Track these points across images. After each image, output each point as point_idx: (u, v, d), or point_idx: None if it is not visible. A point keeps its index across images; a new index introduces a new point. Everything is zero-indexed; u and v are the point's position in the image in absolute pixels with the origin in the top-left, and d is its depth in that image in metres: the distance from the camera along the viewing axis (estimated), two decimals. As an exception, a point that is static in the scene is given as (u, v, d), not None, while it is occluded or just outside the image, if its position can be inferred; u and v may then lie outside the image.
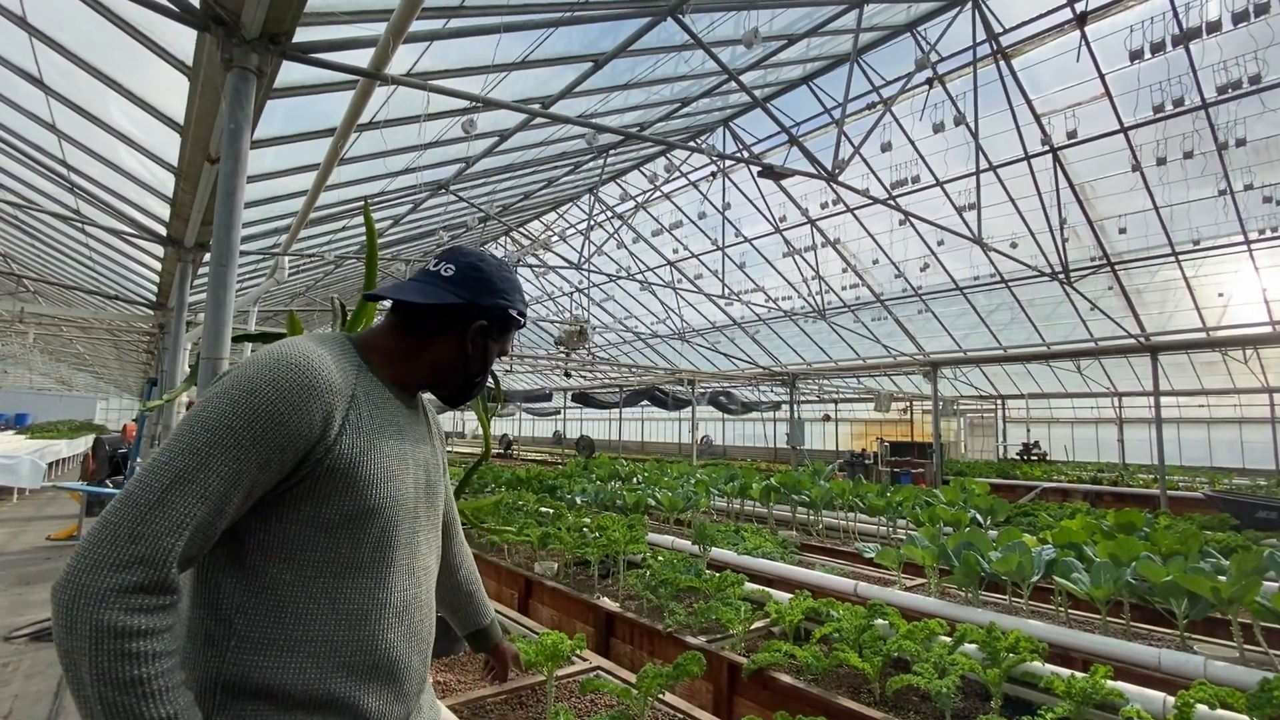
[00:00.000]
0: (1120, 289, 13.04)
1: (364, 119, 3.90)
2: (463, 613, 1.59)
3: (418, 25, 3.17)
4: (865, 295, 16.44)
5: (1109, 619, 4.53)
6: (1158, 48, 8.46)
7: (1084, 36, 8.88)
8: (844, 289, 16.58)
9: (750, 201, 14.68)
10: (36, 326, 11.96)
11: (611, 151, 11.41)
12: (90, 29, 3.57)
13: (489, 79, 6.19)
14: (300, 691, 0.96)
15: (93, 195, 5.77)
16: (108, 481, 10.86)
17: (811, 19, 8.19)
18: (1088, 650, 3.97)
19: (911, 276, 15.17)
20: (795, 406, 20.94)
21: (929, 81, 10.15)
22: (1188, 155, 10.01)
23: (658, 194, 15.42)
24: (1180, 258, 12.09)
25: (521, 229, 17.61)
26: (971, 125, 9.77)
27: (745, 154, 11.84)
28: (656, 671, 2.83)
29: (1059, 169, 11.12)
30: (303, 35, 2.88)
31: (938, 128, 10.44)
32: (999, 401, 23.13)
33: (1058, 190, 11.32)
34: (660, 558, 5.45)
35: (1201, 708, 2.75)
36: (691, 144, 10.74)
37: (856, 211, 13.91)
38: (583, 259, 13.99)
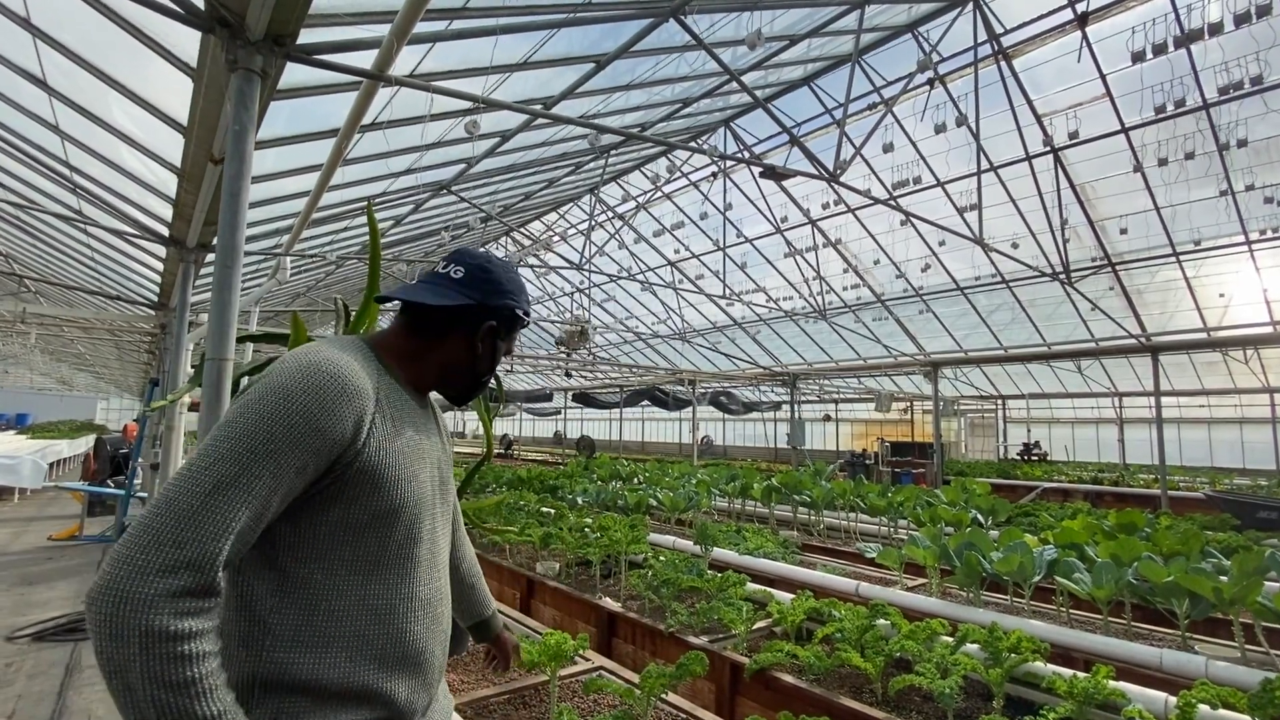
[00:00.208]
0: (1121, 289, 13.05)
1: (366, 120, 3.90)
2: (465, 604, 1.62)
3: (421, 27, 3.18)
4: (866, 295, 16.45)
5: (1110, 619, 4.54)
6: (1159, 49, 8.47)
7: (1085, 37, 8.89)
8: (845, 289, 16.58)
9: (751, 202, 14.69)
10: (38, 327, 11.97)
11: (613, 152, 11.42)
12: (93, 30, 3.57)
13: (491, 80, 6.20)
14: (336, 684, 1.00)
15: (95, 196, 5.77)
16: (109, 482, 10.87)
17: (813, 19, 8.19)
18: (1089, 650, 3.97)
19: (912, 277, 15.17)
20: (796, 406, 20.95)
21: (930, 82, 10.15)
22: (1189, 156, 10.02)
23: (659, 194, 15.42)
24: (1181, 258, 12.10)
25: (522, 229, 17.62)
26: (973, 126, 9.78)
27: (746, 154, 11.84)
28: (659, 671, 2.84)
29: (1060, 169, 11.12)
30: (306, 37, 2.89)
31: (939, 128, 10.44)
32: (1000, 401, 23.14)
33: (1059, 190, 11.32)
34: (662, 558, 5.46)
35: (1203, 708, 2.75)
36: (693, 144, 10.75)
37: (858, 212, 13.92)
38: (584, 259, 14.00)
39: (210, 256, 5.64)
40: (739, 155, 11.62)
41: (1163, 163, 10.31)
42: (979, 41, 9.00)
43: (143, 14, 3.24)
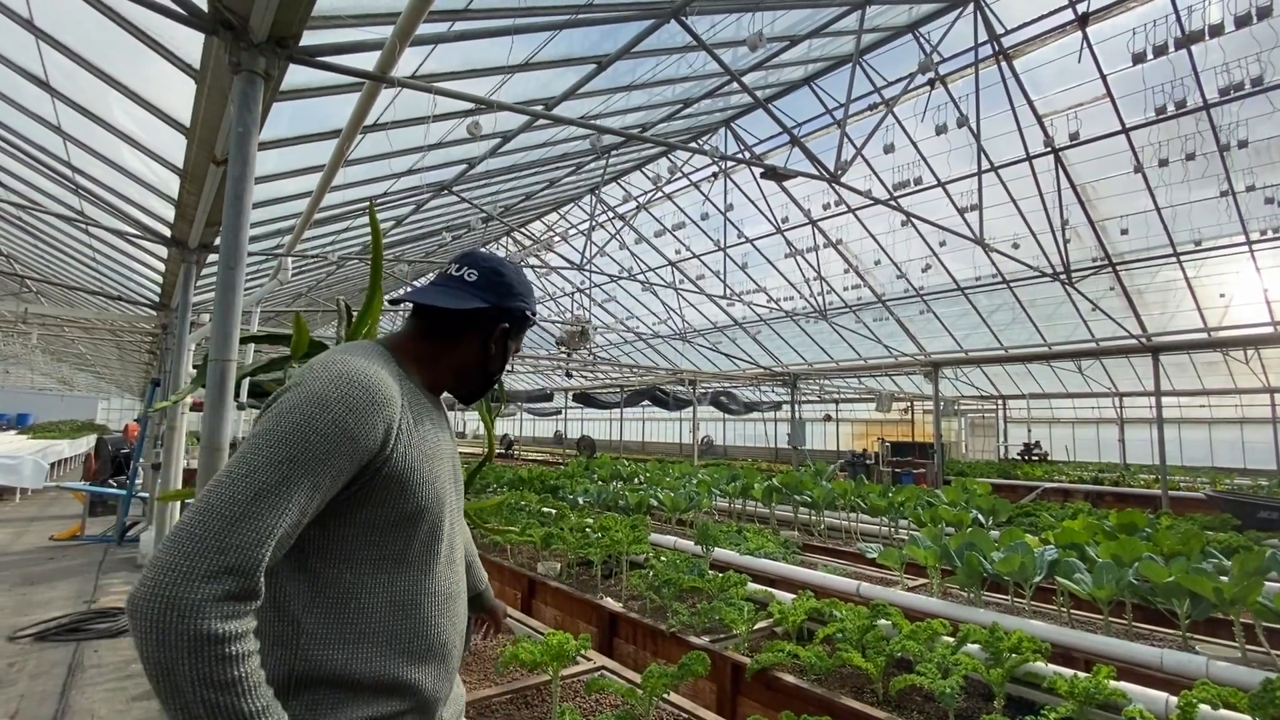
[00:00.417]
0: (1122, 289, 13.05)
1: (368, 121, 3.92)
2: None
3: (423, 28, 3.19)
4: (867, 295, 16.45)
5: (1111, 619, 4.55)
6: (1160, 49, 8.47)
7: (1085, 38, 8.89)
8: (845, 289, 16.58)
9: (752, 202, 14.70)
10: (40, 327, 11.99)
11: (613, 152, 11.42)
12: (95, 32, 3.58)
13: (493, 81, 6.21)
14: (368, 677, 1.04)
15: (97, 196, 5.78)
16: (111, 482, 10.88)
17: (814, 20, 8.20)
18: (1090, 650, 3.98)
19: (913, 277, 15.18)
20: (796, 407, 20.95)
21: (931, 82, 10.15)
22: (1189, 156, 10.03)
23: (659, 195, 15.43)
24: (1182, 258, 12.10)
25: (523, 229, 17.63)
26: (973, 126, 9.78)
27: (747, 155, 11.85)
28: (661, 671, 2.84)
29: (1061, 170, 11.12)
30: (309, 39, 2.89)
31: (940, 129, 10.45)
32: (1000, 402, 23.14)
33: (1059, 191, 11.33)
34: (663, 558, 5.47)
35: (1204, 708, 2.76)
36: (693, 145, 10.76)
37: (858, 212, 13.92)
38: (584, 259, 14.01)
39: (212, 257, 5.65)
40: (740, 156, 11.62)
41: (1163, 163, 10.32)
42: (980, 42, 9.00)
43: (145, 16, 3.25)
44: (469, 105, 5.23)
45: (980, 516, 7.52)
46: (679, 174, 14.11)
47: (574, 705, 3.10)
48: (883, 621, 3.83)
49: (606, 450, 30.23)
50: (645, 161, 13.77)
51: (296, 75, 3.90)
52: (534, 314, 1.33)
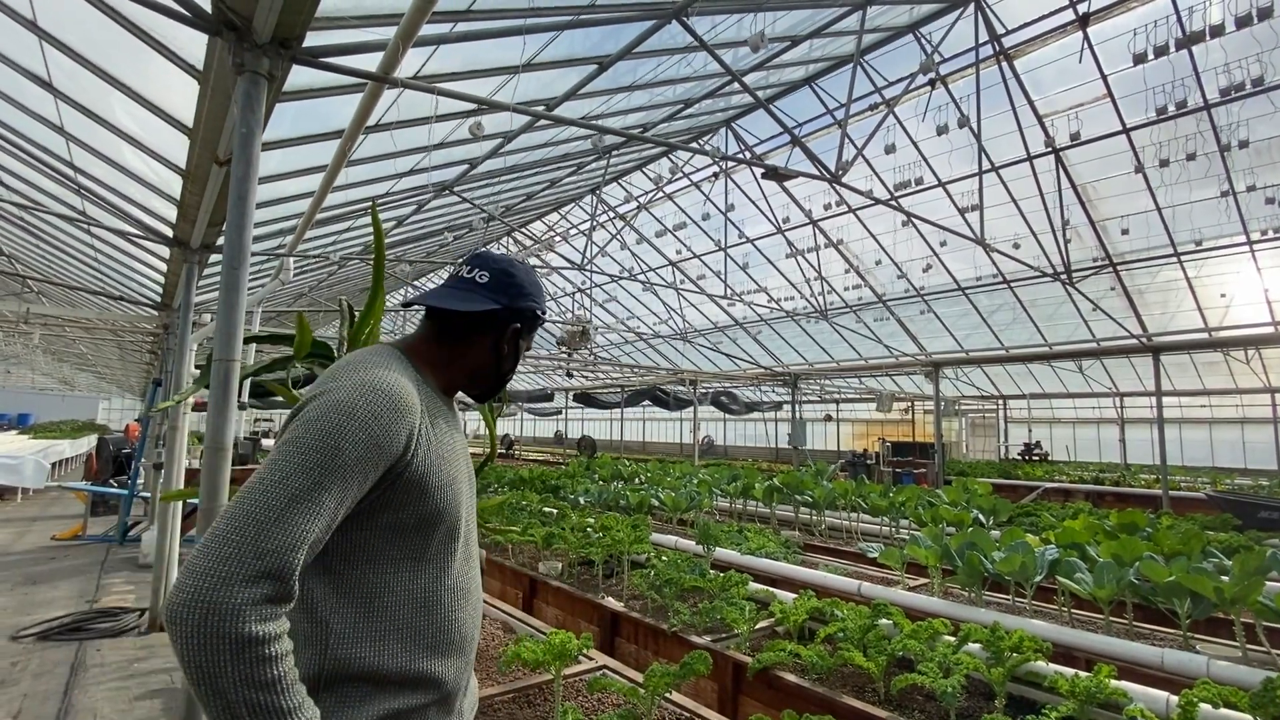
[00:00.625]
0: (1122, 289, 13.05)
1: (371, 121, 3.92)
2: None
3: (425, 29, 3.19)
4: (867, 295, 16.45)
5: (1112, 619, 4.55)
6: (1161, 50, 8.48)
7: (1086, 38, 8.89)
8: (846, 289, 16.59)
9: (752, 202, 14.70)
10: (41, 327, 12.00)
11: (614, 152, 11.43)
12: (97, 32, 3.59)
13: (495, 82, 6.22)
14: (394, 672, 1.08)
15: (99, 196, 5.79)
16: (112, 482, 10.90)
17: (814, 20, 8.20)
18: (1091, 650, 3.99)
19: (914, 277, 15.18)
20: (797, 406, 20.95)
21: (931, 83, 10.15)
22: (1190, 156, 10.03)
23: (660, 195, 15.44)
24: (1182, 258, 12.10)
25: (524, 229, 17.64)
26: (974, 126, 9.78)
27: (748, 155, 11.85)
28: (664, 670, 2.85)
29: (1061, 170, 11.13)
30: (313, 39, 2.90)
31: (941, 129, 10.46)
32: (1001, 402, 23.13)
33: (1060, 191, 11.33)
34: (664, 558, 5.48)
35: (1205, 707, 2.77)
36: (694, 145, 10.77)
37: (859, 212, 13.93)
38: (585, 259, 14.01)
39: (213, 257, 5.65)
40: (740, 156, 11.63)
41: (1164, 163, 10.32)
42: (980, 42, 9.00)
43: (148, 16, 3.26)
44: (471, 106, 5.24)
45: (981, 516, 7.52)
46: (680, 174, 14.12)
47: (576, 704, 3.10)
48: (884, 621, 3.84)
49: (607, 450, 30.23)
50: (646, 161, 13.78)
51: (299, 76, 3.92)
52: (544, 313, 1.35)
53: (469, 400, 1.48)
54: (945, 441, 17.73)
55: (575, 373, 22.27)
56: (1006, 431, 23.78)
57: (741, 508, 10.27)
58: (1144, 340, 13.62)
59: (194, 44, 3.34)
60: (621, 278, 17.39)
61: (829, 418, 27.44)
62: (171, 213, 5.31)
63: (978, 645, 3.46)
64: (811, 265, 15.82)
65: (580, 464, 15.19)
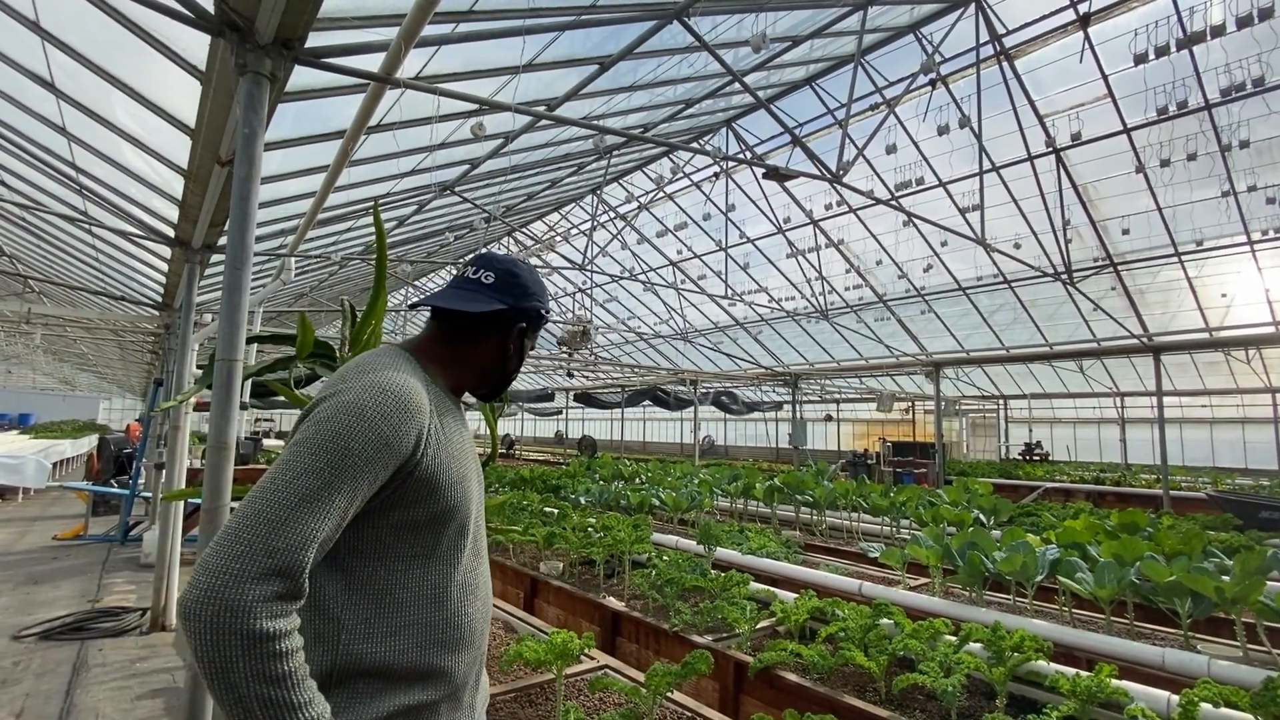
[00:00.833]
0: (1123, 289, 13.05)
1: (372, 122, 3.93)
2: None
3: (427, 30, 3.20)
4: (868, 295, 16.45)
5: (1113, 618, 4.56)
6: (1161, 50, 8.48)
7: (1087, 38, 8.89)
8: (847, 289, 16.59)
9: (753, 202, 14.70)
10: (43, 327, 12.01)
11: (615, 153, 11.44)
12: (99, 32, 3.60)
13: (496, 82, 6.22)
14: (405, 667, 1.09)
15: (100, 197, 5.80)
16: (113, 481, 10.91)
17: (815, 21, 8.21)
18: (1092, 649, 3.99)
19: (914, 277, 15.18)
20: (798, 406, 20.95)
21: (932, 83, 10.16)
22: (1191, 157, 10.03)
23: (661, 195, 15.45)
24: (1183, 258, 12.10)
25: (525, 229, 17.65)
26: (975, 126, 9.78)
27: (748, 155, 11.85)
28: (665, 670, 2.86)
29: (1062, 170, 11.13)
30: (315, 40, 2.90)
31: (942, 129, 10.45)
32: (1001, 402, 23.13)
33: (1060, 191, 11.33)
34: (665, 557, 5.48)
35: (1206, 706, 2.77)
36: (695, 145, 10.77)
37: (860, 212, 13.93)
38: (586, 259, 14.01)
39: (215, 257, 5.66)
40: (741, 156, 11.64)
41: (1165, 163, 10.32)
42: (981, 42, 9.01)
43: (150, 17, 3.26)
44: (472, 106, 5.25)
45: (982, 516, 7.53)
46: (680, 174, 14.13)
47: (578, 704, 3.11)
48: (885, 621, 3.85)
49: (608, 450, 30.24)
50: (647, 162, 13.78)
51: (301, 76, 3.92)
52: (549, 312, 1.37)
53: (471, 400, 1.50)
54: (946, 441, 17.73)
55: (576, 373, 22.27)
56: (1007, 431, 23.78)
57: (742, 508, 10.27)
58: (1145, 340, 13.62)
59: (196, 44, 3.35)
60: (622, 278, 17.40)
61: (829, 418, 27.44)
62: (173, 213, 5.32)
63: (979, 645, 3.47)
64: (812, 265, 15.82)
65: (581, 464, 15.19)
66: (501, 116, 6.55)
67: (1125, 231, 11.90)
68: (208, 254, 5.64)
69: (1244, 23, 7.82)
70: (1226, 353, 14.55)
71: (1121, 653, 3.87)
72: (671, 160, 13.52)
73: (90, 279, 9.87)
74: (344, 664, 1.06)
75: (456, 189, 9.64)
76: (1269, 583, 4.38)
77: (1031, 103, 10.18)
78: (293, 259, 6.95)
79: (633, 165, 13.82)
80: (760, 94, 9.08)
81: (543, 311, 1.34)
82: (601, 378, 24.99)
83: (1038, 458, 20.74)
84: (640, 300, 20.45)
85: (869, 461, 17.98)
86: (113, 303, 10.31)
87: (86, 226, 6.78)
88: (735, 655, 3.79)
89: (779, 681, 3.52)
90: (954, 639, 3.58)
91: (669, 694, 3.07)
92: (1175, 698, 2.92)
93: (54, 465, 13.60)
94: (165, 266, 7.25)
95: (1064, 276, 12.15)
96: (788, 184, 13.11)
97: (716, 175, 14.24)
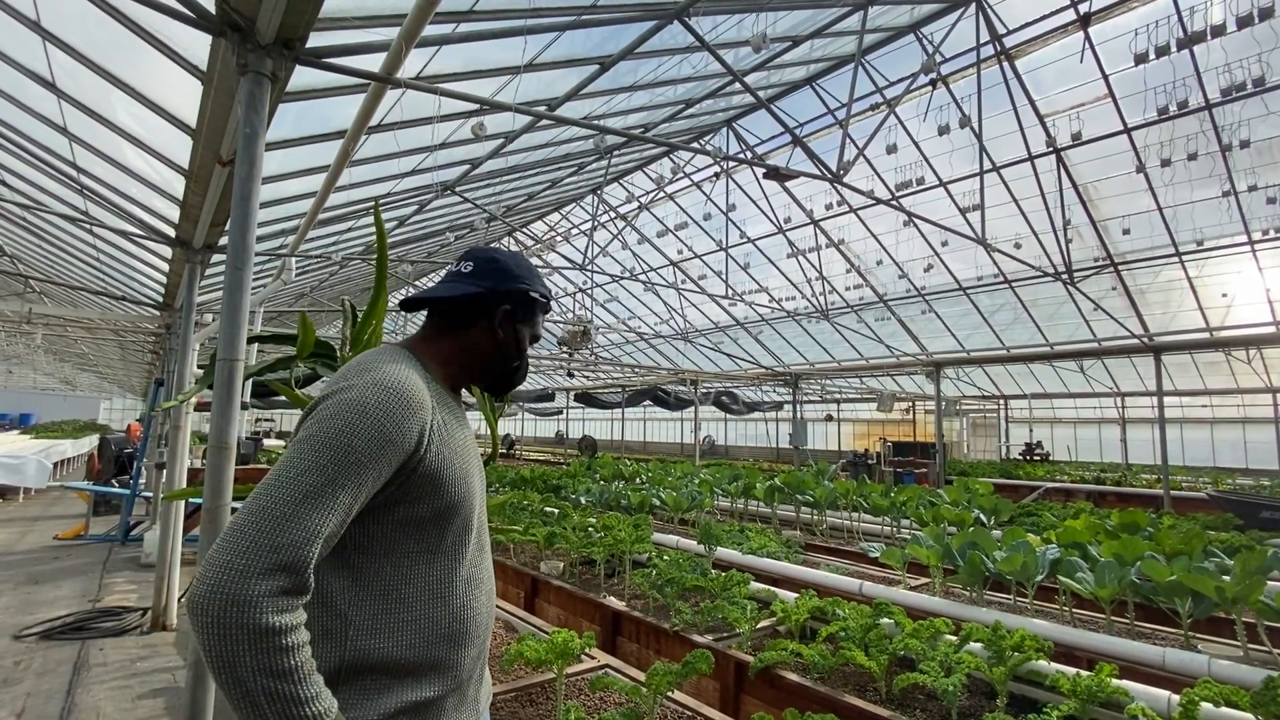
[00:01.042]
0: (1124, 289, 13.05)
1: (373, 122, 3.93)
2: None
3: (428, 30, 3.20)
4: (868, 295, 16.45)
5: (1113, 618, 4.56)
6: (1162, 50, 8.48)
7: (1088, 38, 8.89)
8: (847, 289, 16.59)
9: (754, 202, 14.70)
10: (44, 327, 12.02)
11: (616, 153, 11.44)
12: (100, 32, 3.60)
13: (497, 82, 6.23)
14: (412, 662, 1.11)
15: (101, 197, 5.80)
16: (114, 481, 10.91)
17: (816, 21, 8.21)
18: (1093, 649, 3.99)
19: (915, 277, 15.18)
20: (798, 406, 20.95)
21: (933, 83, 10.16)
22: (1191, 156, 10.02)
23: (661, 195, 15.45)
24: (1184, 258, 12.10)
25: (525, 229, 17.66)
26: (975, 126, 9.79)
27: (749, 155, 11.85)
28: (666, 669, 2.86)
29: (1063, 170, 11.13)
30: (316, 40, 2.90)
31: (942, 129, 10.46)
32: (1002, 402, 23.12)
33: (1061, 191, 11.33)
34: (666, 557, 5.48)
35: (1206, 706, 2.77)
36: (695, 145, 10.77)
37: (860, 212, 13.93)
38: (586, 259, 14.02)
39: (216, 257, 5.67)
40: (742, 156, 11.64)
41: (1165, 163, 10.31)
42: (981, 42, 9.01)
43: (151, 17, 3.27)
44: (473, 106, 5.25)
45: (982, 516, 7.52)
46: (681, 174, 14.13)
47: (578, 703, 3.11)
48: (885, 620, 3.85)
49: (608, 450, 30.25)
50: (647, 162, 13.79)
51: (302, 76, 3.92)
52: (542, 295, 1.35)
53: (471, 399, 1.50)
54: (946, 441, 17.72)
55: (576, 373, 22.28)
56: (1007, 431, 23.77)
57: (743, 508, 10.27)
58: (1145, 340, 13.61)
59: (197, 44, 3.35)
60: (623, 278, 17.40)
61: (830, 418, 27.44)
62: (174, 213, 5.32)
63: (979, 644, 3.47)
64: (813, 265, 15.82)
65: (581, 464, 15.20)
66: (502, 116, 6.55)
67: (1126, 231, 11.90)
68: (208, 254, 5.65)
69: (1244, 22, 7.82)
70: (1227, 353, 14.54)
71: (1122, 652, 3.87)
72: (672, 160, 13.52)
73: (91, 279, 9.87)
74: (352, 660, 1.07)
75: (457, 189, 9.64)
76: (1269, 582, 4.38)
77: (1032, 102, 10.18)
78: (293, 259, 6.95)
79: (633, 165, 13.82)
80: (761, 94, 9.08)
81: (531, 294, 1.32)
82: (602, 378, 24.99)
83: (1038, 458, 20.73)
84: (641, 300, 20.45)
85: (869, 461, 17.98)
86: (113, 303, 10.32)
87: (87, 226, 6.78)
88: (736, 655, 3.79)
89: (780, 681, 3.53)
90: (954, 639, 3.58)
91: (670, 693, 3.07)
92: (1176, 697, 2.92)
93: (55, 465, 13.62)
94: (166, 266, 7.25)
95: (1064, 276, 12.15)
96: (788, 184, 13.11)
97: (717, 175, 14.24)
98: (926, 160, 12.08)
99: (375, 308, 2.58)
